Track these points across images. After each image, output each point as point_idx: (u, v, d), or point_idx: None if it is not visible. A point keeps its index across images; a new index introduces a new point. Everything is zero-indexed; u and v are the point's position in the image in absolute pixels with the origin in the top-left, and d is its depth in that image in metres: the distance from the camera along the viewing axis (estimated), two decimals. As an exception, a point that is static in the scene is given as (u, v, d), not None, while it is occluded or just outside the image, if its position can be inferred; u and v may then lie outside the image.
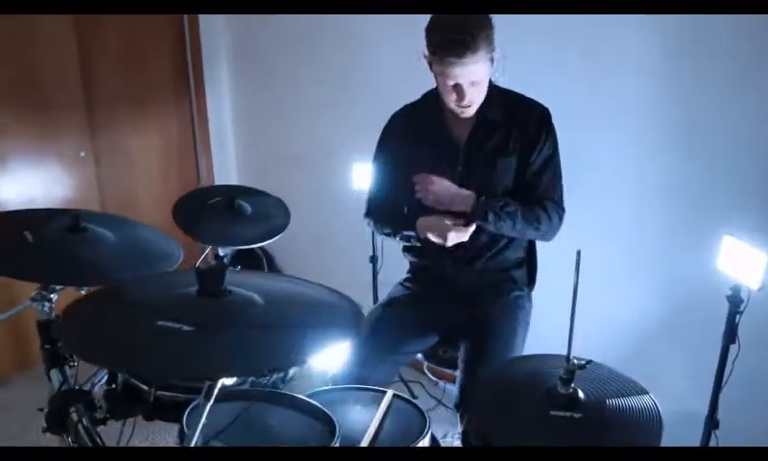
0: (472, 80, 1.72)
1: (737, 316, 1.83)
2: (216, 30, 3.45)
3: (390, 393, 1.66)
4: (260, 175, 3.60)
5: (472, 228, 1.83)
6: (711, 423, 1.93)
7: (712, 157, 2.06)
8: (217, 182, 3.63)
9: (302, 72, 3.18)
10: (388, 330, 1.94)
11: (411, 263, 2.11)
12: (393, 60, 2.71)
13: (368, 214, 2.08)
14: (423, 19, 1.76)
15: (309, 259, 3.51)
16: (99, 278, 1.38)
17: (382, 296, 2.30)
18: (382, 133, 2.04)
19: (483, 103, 1.84)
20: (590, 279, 2.39)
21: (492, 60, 1.73)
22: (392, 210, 2.00)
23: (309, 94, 3.20)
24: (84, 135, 3.10)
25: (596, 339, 2.44)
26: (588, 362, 1.16)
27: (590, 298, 2.42)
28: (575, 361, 1.16)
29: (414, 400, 1.64)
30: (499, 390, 1.22)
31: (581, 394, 1.18)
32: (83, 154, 3.11)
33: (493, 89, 1.87)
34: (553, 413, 1.11)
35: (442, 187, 1.83)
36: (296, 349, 0.92)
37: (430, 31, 1.72)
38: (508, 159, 1.88)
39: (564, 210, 1.92)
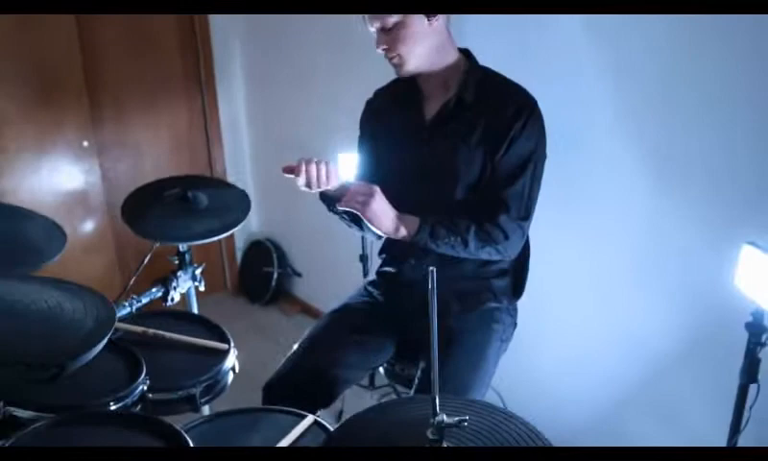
0: (384, 23, 1.52)
1: (759, 348, 1.45)
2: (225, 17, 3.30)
3: (310, 419, 1.42)
4: (274, 165, 3.41)
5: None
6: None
7: (733, 151, 1.68)
8: (229, 174, 3.50)
9: (318, 57, 2.96)
10: (329, 342, 1.69)
11: (379, 266, 1.86)
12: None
13: None
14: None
15: (316, 254, 3.32)
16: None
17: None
18: (363, 111, 1.83)
19: (460, 81, 1.61)
20: (594, 291, 2.09)
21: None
22: None
23: (323, 81, 2.99)
24: (86, 125, 3.03)
25: (601, 361, 2.10)
26: (462, 421, 0.85)
27: (594, 313, 2.11)
28: (444, 416, 0.85)
29: (332, 430, 1.38)
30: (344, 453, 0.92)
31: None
32: (85, 144, 3.05)
33: (474, 68, 1.65)
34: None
35: (380, 209, 1.55)
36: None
37: None
38: (471, 151, 1.59)
39: (526, 222, 1.61)
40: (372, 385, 2.69)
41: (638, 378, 1.99)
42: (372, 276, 1.90)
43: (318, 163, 1.53)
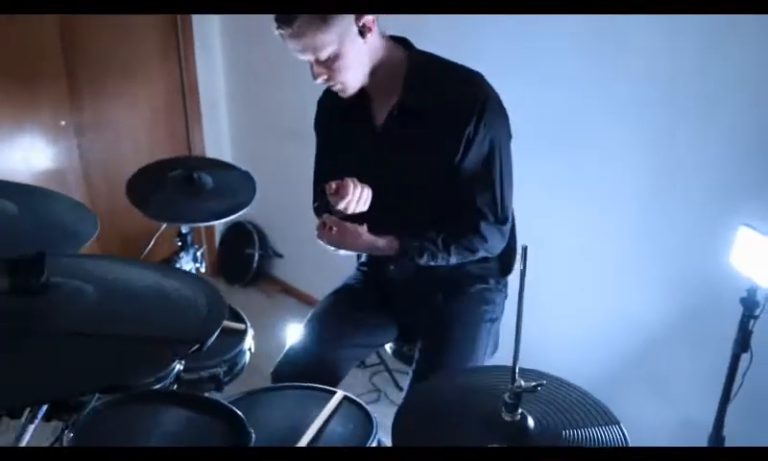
0: (318, 56, 1.42)
1: (752, 321, 1.58)
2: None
3: (339, 394, 1.46)
4: (254, 145, 3.40)
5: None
6: (717, 440, 1.69)
7: (729, 137, 1.79)
8: (208, 152, 3.46)
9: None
10: (336, 322, 1.71)
11: (364, 262, 1.87)
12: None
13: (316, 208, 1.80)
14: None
15: (300, 238, 3.32)
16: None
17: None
18: (316, 113, 1.76)
19: (402, 84, 1.50)
20: (593, 271, 2.20)
21: (357, 30, 1.42)
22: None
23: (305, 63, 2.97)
24: (63, 104, 2.93)
25: (599, 337, 2.22)
26: (539, 385, 0.93)
27: (593, 292, 2.22)
28: (522, 382, 0.92)
29: (364, 405, 1.43)
30: (426, 415, 0.99)
31: (530, 422, 0.95)
32: (63, 123, 2.96)
33: (414, 62, 1.52)
34: (493, 447, 0.89)
35: (357, 236, 1.52)
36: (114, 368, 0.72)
37: None
38: (426, 159, 1.52)
39: (506, 225, 1.59)
40: (362, 364, 2.74)
41: (636, 355, 2.10)
42: (363, 258, 1.89)
43: (363, 188, 1.46)
